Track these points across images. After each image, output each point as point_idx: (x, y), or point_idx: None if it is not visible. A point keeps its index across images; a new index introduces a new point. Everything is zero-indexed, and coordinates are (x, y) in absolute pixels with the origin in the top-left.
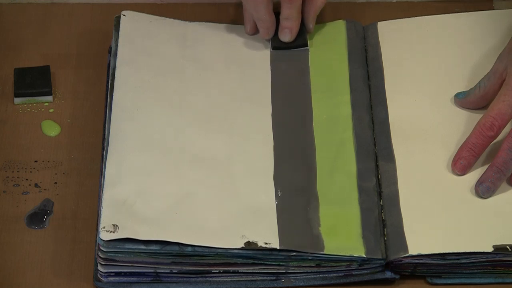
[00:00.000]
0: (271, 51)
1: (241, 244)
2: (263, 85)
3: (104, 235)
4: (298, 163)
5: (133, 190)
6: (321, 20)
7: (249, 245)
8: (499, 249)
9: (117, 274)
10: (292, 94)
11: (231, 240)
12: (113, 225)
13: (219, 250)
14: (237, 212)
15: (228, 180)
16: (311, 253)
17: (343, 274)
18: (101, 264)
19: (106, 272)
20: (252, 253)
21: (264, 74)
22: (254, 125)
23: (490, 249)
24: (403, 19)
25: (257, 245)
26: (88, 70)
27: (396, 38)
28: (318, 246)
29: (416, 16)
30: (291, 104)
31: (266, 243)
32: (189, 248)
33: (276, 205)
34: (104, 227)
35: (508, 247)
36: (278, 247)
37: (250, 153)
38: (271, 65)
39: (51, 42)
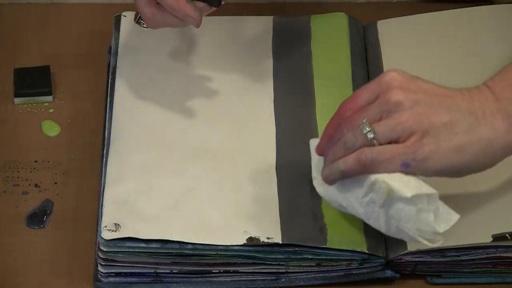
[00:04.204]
0: (272, 38)
1: (243, 240)
2: (265, 72)
3: (106, 234)
4: (300, 149)
5: (134, 188)
6: None
7: (251, 240)
8: (498, 238)
9: (118, 274)
10: (294, 78)
11: (233, 236)
12: (115, 224)
13: (220, 248)
14: (239, 205)
15: (230, 173)
16: (312, 247)
17: (343, 273)
18: (101, 265)
19: (106, 273)
20: (252, 250)
21: (266, 61)
22: (256, 114)
23: (489, 239)
24: (403, 17)
25: (259, 241)
26: (88, 70)
27: (396, 36)
28: (320, 238)
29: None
30: (293, 89)
31: (268, 238)
32: (190, 246)
33: (279, 197)
34: (105, 226)
35: (507, 235)
36: (280, 242)
37: (252, 143)
38: (273, 50)
39: (51, 42)
